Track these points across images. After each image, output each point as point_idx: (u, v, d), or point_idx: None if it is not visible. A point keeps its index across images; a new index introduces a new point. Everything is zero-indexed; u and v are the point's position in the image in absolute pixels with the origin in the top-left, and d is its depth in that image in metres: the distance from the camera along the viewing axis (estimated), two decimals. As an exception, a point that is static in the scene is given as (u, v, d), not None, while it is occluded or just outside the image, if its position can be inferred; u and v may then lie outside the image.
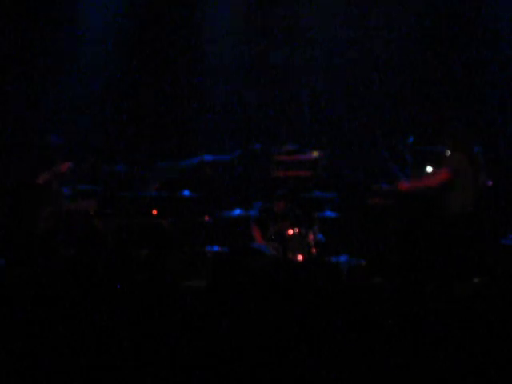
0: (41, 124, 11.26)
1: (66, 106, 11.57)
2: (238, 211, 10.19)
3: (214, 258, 9.71)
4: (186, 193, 10.25)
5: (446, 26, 11.40)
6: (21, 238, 9.09)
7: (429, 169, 10.22)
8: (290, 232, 9.71)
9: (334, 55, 11.71)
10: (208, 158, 10.81)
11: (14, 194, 9.27)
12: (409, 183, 8.83)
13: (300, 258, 9.58)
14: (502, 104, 11.24)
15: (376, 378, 5.17)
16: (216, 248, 9.94)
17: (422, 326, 5.63)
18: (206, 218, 10.21)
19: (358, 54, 11.64)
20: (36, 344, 5.27)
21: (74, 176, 9.64)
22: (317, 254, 9.57)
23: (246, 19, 11.90)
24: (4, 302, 5.57)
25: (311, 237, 9.70)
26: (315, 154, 10.67)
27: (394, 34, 11.56)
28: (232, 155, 10.93)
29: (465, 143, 8.95)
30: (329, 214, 10.08)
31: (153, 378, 5.10)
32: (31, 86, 11.49)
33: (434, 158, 10.22)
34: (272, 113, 11.77)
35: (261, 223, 10.01)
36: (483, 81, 11.30)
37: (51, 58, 11.61)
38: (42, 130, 11.06)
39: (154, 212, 10.10)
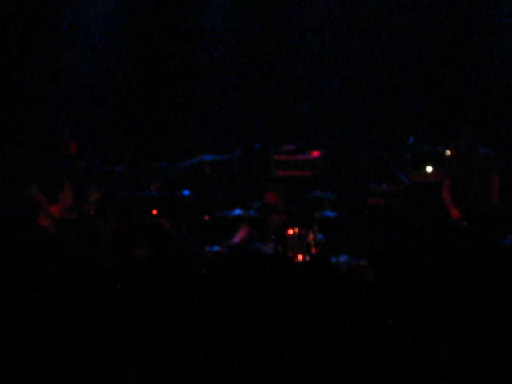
0: (41, 124, 11.27)
1: (66, 106, 11.58)
2: (237, 211, 10.18)
3: (214, 257, 9.70)
4: (186, 193, 10.24)
5: (446, 25, 11.41)
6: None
7: (429, 169, 10.23)
8: (290, 232, 9.69)
9: (334, 55, 11.71)
10: (208, 157, 10.81)
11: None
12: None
13: (300, 257, 9.57)
14: (502, 104, 11.26)
15: (376, 377, 5.17)
16: (216, 248, 9.93)
17: (421, 327, 5.63)
18: (206, 217, 10.20)
19: (358, 53, 11.64)
20: (36, 343, 5.26)
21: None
22: (317, 253, 9.56)
23: (246, 19, 11.90)
24: (5, 302, 5.57)
25: (311, 237, 9.68)
26: (315, 153, 10.67)
27: (395, 33, 11.56)
28: (232, 155, 10.92)
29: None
30: (329, 214, 10.07)
31: (153, 377, 5.10)
32: (31, 86, 11.49)
33: (434, 158, 10.23)
34: (272, 113, 11.77)
35: (257, 223, 10.00)
36: (483, 81, 11.31)
37: (51, 59, 11.62)
38: (41, 130, 11.07)
39: (154, 212, 10.09)
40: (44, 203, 9.24)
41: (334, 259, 9.38)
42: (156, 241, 9.77)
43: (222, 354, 5.20)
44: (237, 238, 9.91)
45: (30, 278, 6.21)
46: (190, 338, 5.35)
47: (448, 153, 9.91)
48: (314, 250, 9.60)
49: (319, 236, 9.76)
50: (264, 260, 8.97)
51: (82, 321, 5.46)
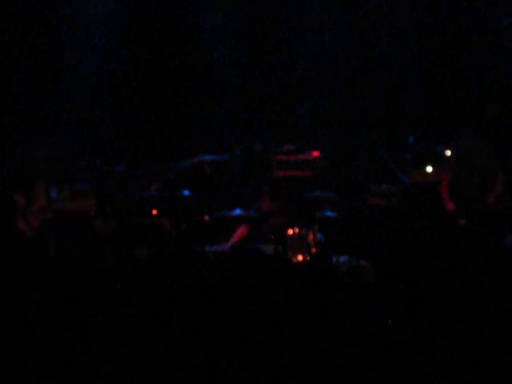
0: (40, 124, 11.27)
1: (66, 106, 11.58)
2: (237, 211, 10.18)
3: (215, 257, 9.70)
4: (186, 193, 10.24)
5: (446, 25, 11.41)
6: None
7: (429, 169, 10.23)
8: (290, 232, 9.69)
9: (334, 55, 11.71)
10: (208, 157, 10.81)
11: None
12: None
13: (300, 258, 9.57)
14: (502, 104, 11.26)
15: (376, 377, 5.17)
16: (216, 248, 9.93)
17: (421, 327, 5.63)
18: (206, 217, 10.20)
19: (358, 53, 11.64)
20: (36, 343, 5.26)
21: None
22: (317, 253, 9.56)
23: (246, 19, 11.91)
24: (5, 302, 5.57)
25: (311, 237, 9.68)
26: (315, 153, 10.68)
27: (395, 33, 11.57)
28: (232, 155, 10.93)
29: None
30: (329, 214, 10.08)
31: (153, 377, 5.10)
32: (31, 86, 11.49)
33: (434, 158, 10.24)
34: (272, 113, 11.77)
35: (257, 223, 10.01)
36: (483, 81, 11.31)
37: (51, 59, 11.62)
38: (41, 132, 11.08)
39: (154, 212, 10.09)
40: (23, 205, 9.20)
41: (334, 259, 9.38)
42: (156, 241, 9.78)
43: (222, 354, 5.20)
44: (234, 238, 9.92)
45: (24, 279, 6.21)
46: (190, 338, 5.35)
47: (448, 153, 9.93)
48: (314, 250, 9.60)
49: (319, 236, 9.76)
50: (264, 260, 8.97)
51: (82, 321, 5.46)
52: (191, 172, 10.75)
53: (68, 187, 9.60)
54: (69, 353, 5.13)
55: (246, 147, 10.97)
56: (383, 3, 11.65)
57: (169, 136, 11.76)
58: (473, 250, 8.41)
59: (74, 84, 11.67)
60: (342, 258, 9.50)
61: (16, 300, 5.75)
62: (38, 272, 6.72)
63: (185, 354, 5.20)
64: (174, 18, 11.86)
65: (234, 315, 5.54)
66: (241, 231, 9.92)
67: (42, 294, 5.77)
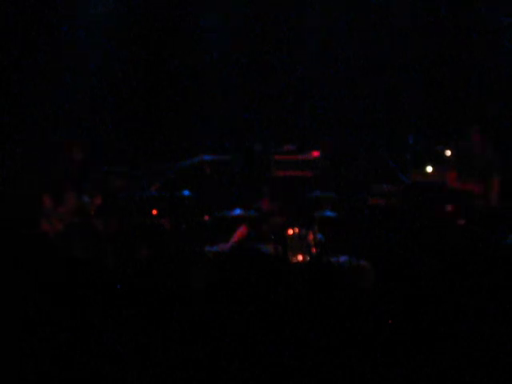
0: (41, 124, 11.27)
1: (66, 106, 11.58)
2: (237, 211, 10.18)
3: (214, 258, 9.70)
4: (186, 193, 10.24)
5: (446, 25, 11.41)
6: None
7: (429, 169, 10.24)
8: (290, 232, 9.69)
9: (334, 55, 11.71)
10: (208, 157, 10.81)
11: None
12: None
13: (300, 258, 9.56)
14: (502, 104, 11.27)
15: (376, 377, 5.17)
16: (216, 248, 9.92)
17: (421, 327, 5.63)
18: (206, 217, 10.20)
19: (358, 53, 11.64)
20: (36, 343, 5.26)
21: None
22: (317, 253, 9.56)
23: (246, 19, 11.91)
24: (5, 302, 5.56)
25: (311, 237, 9.68)
26: (315, 153, 10.68)
27: (395, 33, 11.57)
28: (232, 155, 10.93)
29: None
30: (329, 214, 10.07)
31: (153, 377, 5.10)
32: (31, 86, 11.49)
33: (434, 158, 10.24)
34: (272, 113, 11.77)
35: (257, 223, 10.01)
36: (483, 81, 11.32)
37: (51, 59, 11.62)
38: (41, 130, 11.07)
39: (154, 212, 10.09)
40: (50, 207, 9.22)
41: (334, 259, 9.37)
42: (156, 241, 9.78)
43: (222, 354, 5.20)
44: (234, 238, 9.92)
45: (27, 279, 6.21)
46: (190, 338, 5.35)
47: (448, 153, 9.94)
48: (314, 250, 9.60)
49: (319, 236, 9.76)
50: (264, 260, 8.97)
51: (82, 321, 5.46)
52: (191, 172, 10.75)
53: (98, 192, 9.63)
54: (69, 353, 5.14)
55: (246, 147, 10.97)
56: (383, 3, 11.66)
57: (169, 136, 11.76)
58: (473, 249, 8.40)
59: (75, 84, 11.68)
60: (342, 258, 9.50)
61: (20, 299, 5.75)
62: (41, 272, 6.73)
63: (185, 353, 5.20)
64: (173, 18, 11.86)
65: (234, 315, 5.55)
66: (241, 231, 9.92)
67: (42, 293, 5.77)
